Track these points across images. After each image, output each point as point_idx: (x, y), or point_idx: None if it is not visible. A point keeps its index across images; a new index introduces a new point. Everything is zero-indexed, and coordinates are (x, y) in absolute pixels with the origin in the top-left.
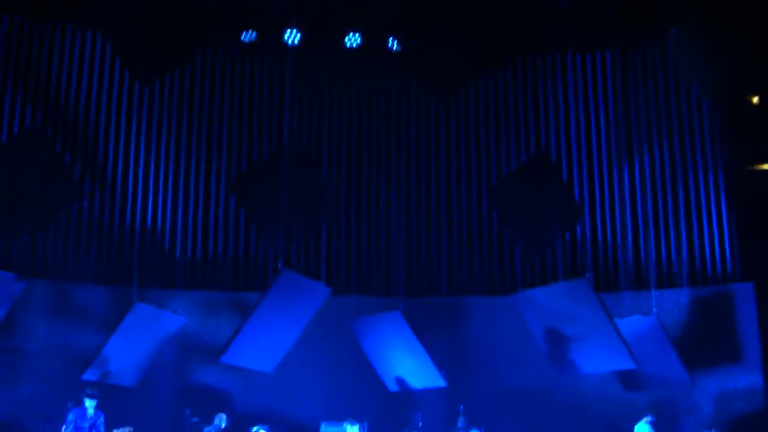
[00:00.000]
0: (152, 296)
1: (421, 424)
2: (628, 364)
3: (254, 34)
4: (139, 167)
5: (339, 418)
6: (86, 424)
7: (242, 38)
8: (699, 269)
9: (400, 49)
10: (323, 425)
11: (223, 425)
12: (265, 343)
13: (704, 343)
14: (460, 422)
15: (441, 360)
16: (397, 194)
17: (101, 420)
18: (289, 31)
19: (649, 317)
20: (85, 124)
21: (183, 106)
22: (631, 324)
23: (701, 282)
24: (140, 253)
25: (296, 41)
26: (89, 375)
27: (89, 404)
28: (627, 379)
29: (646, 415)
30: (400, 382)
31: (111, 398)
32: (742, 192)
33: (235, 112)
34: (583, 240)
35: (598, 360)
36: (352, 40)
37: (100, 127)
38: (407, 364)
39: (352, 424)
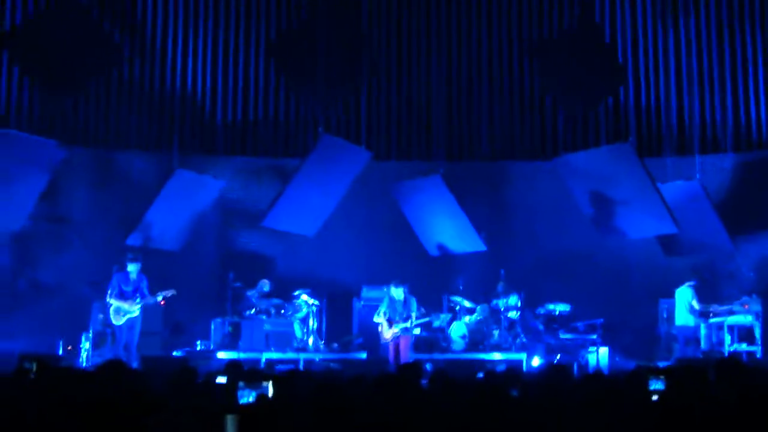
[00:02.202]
0: (193, 162)
1: (461, 288)
2: (670, 229)
3: None
4: (179, 32)
5: (380, 282)
6: (130, 288)
7: None
8: (743, 134)
9: None
10: (365, 289)
11: (266, 289)
12: (306, 208)
13: (747, 208)
14: (501, 286)
15: (481, 224)
16: (438, 57)
17: (144, 284)
18: None
19: (692, 182)
20: None
21: None
22: (674, 189)
23: (745, 147)
24: (181, 119)
25: None
26: (132, 240)
27: (132, 268)
28: (669, 244)
29: (688, 280)
30: (441, 246)
31: (155, 263)
32: None
33: None
34: (627, 104)
35: (640, 224)
36: None
37: None
38: (447, 229)
39: (397, 286)
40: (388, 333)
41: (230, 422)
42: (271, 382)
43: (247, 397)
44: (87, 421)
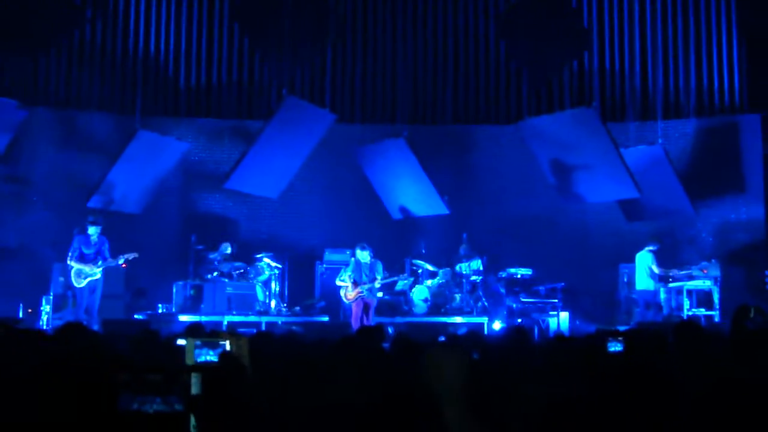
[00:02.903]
0: (156, 124)
1: (424, 251)
2: (632, 193)
3: None
4: None
5: (342, 245)
6: (91, 251)
7: None
8: (706, 99)
9: None
10: (327, 252)
11: (228, 252)
12: (270, 170)
13: (708, 173)
14: (463, 249)
15: (444, 188)
16: (403, 20)
17: (106, 246)
18: None
19: (654, 147)
20: None
21: None
22: (637, 153)
23: (708, 112)
24: (144, 81)
25: None
26: (94, 202)
27: (93, 231)
28: (630, 209)
29: (648, 244)
30: (403, 209)
31: (117, 225)
32: (751, 22)
33: None
34: (591, 68)
35: (602, 189)
36: None
37: None
38: (410, 192)
39: (363, 249)
40: (352, 293)
41: (194, 380)
42: (228, 342)
43: (205, 356)
44: (47, 381)
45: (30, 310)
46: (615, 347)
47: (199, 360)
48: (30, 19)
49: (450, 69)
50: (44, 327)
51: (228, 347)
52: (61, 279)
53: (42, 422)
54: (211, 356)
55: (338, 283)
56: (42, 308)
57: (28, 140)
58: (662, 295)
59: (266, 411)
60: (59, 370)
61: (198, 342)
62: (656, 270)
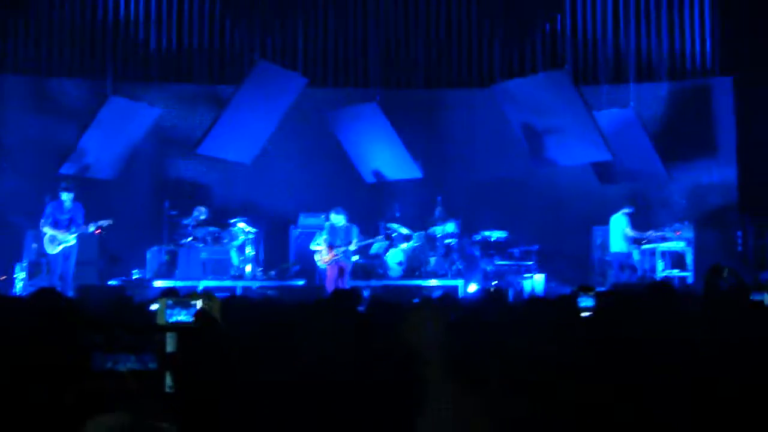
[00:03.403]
0: (127, 89)
1: (398, 214)
2: (605, 156)
3: None
4: None
5: (317, 209)
6: (65, 217)
7: None
8: (678, 62)
9: None
10: (301, 216)
11: (202, 218)
12: (242, 135)
13: (681, 136)
14: (437, 212)
15: (418, 151)
16: None
17: (80, 213)
18: None
19: (626, 110)
20: None
21: None
22: (609, 116)
23: (680, 75)
24: (114, 46)
25: None
26: (66, 169)
27: (66, 197)
28: (603, 172)
29: (622, 207)
30: (377, 173)
31: (91, 192)
32: None
33: None
34: (563, 31)
35: (575, 152)
36: None
37: None
38: (384, 156)
39: (337, 213)
40: (327, 256)
41: (169, 339)
42: (200, 301)
43: (177, 317)
44: (18, 343)
45: (3, 277)
46: (586, 302)
47: (170, 321)
48: None
49: (422, 32)
50: (18, 294)
51: (199, 307)
52: (35, 246)
53: (14, 384)
54: (183, 316)
55: (313, 247)
56: (16, 275)
57: None
58: (636, 257)
59: (241, 368)
60: (31, 333)
61: (170, 302)
62: (631, 233)
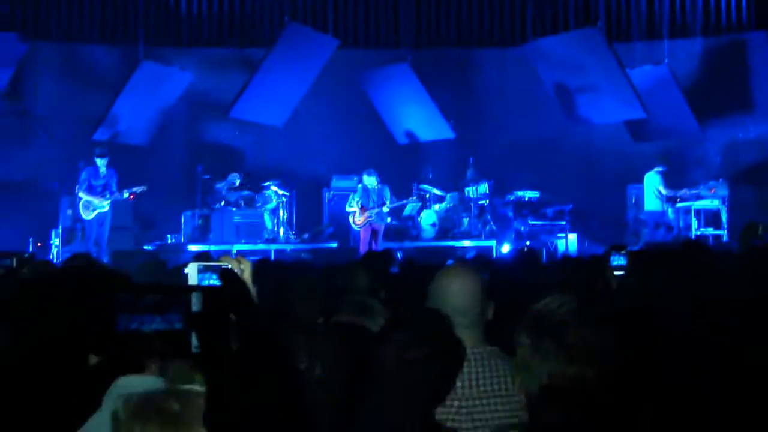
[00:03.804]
0: (158, 54)
1: (431, 176)
2: (638, 114)
3: None
4: None
5: (349, 171)
6: (99, 183)
7: None
8: (713, 18)
9: None
10: (334, 178)
11: (237, 183)
12: (274, 98)
13: (715, 93)
14: (470, 173)
15: (450, 112)
16: None
17: (114, 179)
18: None
19: (660, 67)
20: None
21: None
22: (643, 74)
23: (714, 31)
24: (145, 11)
25: None
26: (100, 135)
27: (101, 163)
28: (637, 130)
29: (656, 165)
30: (409, 134)
31: (124, 158)
32: None
33: None
34: None
35: (609, 110)
36: None
37: None
38: (416, 117)
39: (369, 174)
40: (360, 218)
41: (195, 299)
42: (229, 264)
43: (208, 281)
44: (57, 309)
45: (39, 244)
46: (618, 261)
47: (201, 284)
48: None
49: None
50: (54, 260)
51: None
52: (70, 212)
53: (34, 344)
54: (214, 280)
55: (348, 209)
56: (51, 242)
57: (31, 75)
58: (670, 216)
59: (269, 329)
60: (66, 298)
61: (201, 266)
62: (664, 191)
